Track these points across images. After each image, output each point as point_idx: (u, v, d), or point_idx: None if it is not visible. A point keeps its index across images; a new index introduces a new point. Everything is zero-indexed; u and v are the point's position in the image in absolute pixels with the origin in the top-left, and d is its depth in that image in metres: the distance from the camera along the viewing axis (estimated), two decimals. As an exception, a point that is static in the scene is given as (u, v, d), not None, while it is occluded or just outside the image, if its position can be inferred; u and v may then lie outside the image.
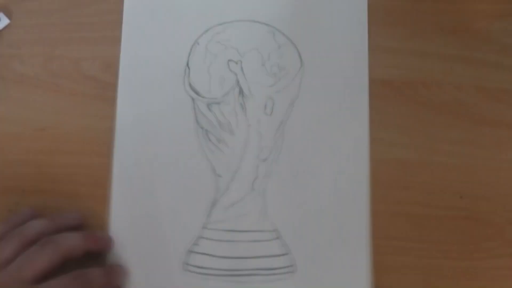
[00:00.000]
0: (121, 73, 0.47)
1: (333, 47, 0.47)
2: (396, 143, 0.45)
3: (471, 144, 0.46)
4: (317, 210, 0.44)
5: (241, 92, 0.46)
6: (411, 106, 0.46)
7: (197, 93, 0.46)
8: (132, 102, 0.46)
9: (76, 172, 0.45)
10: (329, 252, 0.44)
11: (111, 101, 0.46)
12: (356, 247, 0.44)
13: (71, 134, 0.46)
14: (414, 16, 0.48)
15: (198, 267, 0.43)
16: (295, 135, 0.46)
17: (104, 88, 0.47)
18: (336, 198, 0.45)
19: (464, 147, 0.46)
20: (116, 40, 0.47)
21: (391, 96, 0.47)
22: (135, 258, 0.44)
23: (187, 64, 0.47)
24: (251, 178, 0.45)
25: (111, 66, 0.47)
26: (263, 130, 0.46)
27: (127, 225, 0.44)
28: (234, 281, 0.43)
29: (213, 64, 0.47)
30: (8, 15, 0.47)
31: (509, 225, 0.44)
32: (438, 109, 0.46)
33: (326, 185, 0.45)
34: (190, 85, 0.47)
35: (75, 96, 0.46)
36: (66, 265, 0.39)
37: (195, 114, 0.46)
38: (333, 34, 0.48)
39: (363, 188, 0.45)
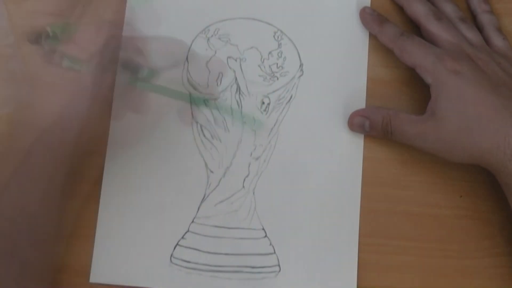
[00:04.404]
0: (120, 64, 0.47)
1: (333, 48, 0.47)
2: (395, 143, 0.44)
3: None
4: (307, 211, 0.44)
5: (238, 89, 0.46)
6: (410, 105, 0.46)
7: (194, 87, 0.46)
8: (129, 92, 0.46)
9: (75, 172, 0.45)
10: (315, 254, 0.43)
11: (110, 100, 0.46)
12: (345, 249, 0.43)
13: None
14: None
15: (184, 261, 0.43)
16: (289, 135, 0.46)
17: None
18: (327, 200, 0.44)
19: None
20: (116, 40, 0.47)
21: (390, 96, 0.46)
22: (124, 249, 0.44)
23: (186, 58, 0.47)
24: (242, 176, 0.45)
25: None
26: (257, 128, 0.45)
27: (117, 216, 0.44)
28: (219, 277, 0.43)
29: (212, 59, 0.47)
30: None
31: (509, 223, 0.44)
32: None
33: (318, 186, 0.45)
34: (188, 79, 0.46)
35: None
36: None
37: (191, 109, 0.46)
38: (334, 35, 0.47)
39: (355, 190, 0.44)
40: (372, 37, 0.47)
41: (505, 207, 0.42)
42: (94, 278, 0.43)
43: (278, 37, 0.47)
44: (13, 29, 0.47)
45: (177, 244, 0.43)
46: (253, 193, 0.44)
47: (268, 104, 0.46)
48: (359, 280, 0.43)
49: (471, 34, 0.44)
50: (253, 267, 0.43)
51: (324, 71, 0.47)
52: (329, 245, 0.43)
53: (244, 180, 0.45)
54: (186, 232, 0.44)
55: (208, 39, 0.47)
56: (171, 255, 0.43)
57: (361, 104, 0.46)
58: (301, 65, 0.47)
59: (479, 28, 0.46)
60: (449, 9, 0.45)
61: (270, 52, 0.47)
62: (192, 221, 0.44)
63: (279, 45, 0.47)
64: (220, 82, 0.46)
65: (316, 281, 0.43)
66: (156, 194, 0.44)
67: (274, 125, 0.46)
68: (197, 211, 0.44)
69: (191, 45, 0.47)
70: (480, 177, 0.44)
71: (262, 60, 0.47)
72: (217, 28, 0.48)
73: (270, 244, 0.43)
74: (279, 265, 0.43)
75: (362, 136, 0.45)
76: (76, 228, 0.44)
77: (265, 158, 0.45)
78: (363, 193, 0.44)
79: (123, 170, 0.45)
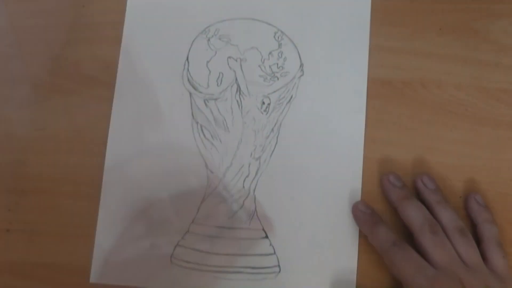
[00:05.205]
0: (120, 64, 0.47)
1: (333, 47, 0.47)
2: (395, 143, 0.44)
3: (470, 144, 0.45)
4: (307, 212, 0.44)
5: (238, 89, 0.46)
6: (410, 106, 0.46)
7: (194, 87, 0.46)
8: (129, 92, 0.46)
9: (75, 172, 0.46)
10: (316, 254, 0.43)
11: (111, 100, 0.46)
12: (345, 249, 0.43)
13: (70, 134, 0.46)
14: (414, 16, 0.47)
15: (185, 261, 0.43)
16: (289, 135, 0.45)
17: (104, 88, 0.47)
18: (327, 200, 0.44)
19: (463, 147, 0.45)
20: (116, 40, 0.48)
21: (390, 96, 0.46)
22: (124, 249, 0.43)
23: (187, 58, 0.47)
24: (242, 176, 0.45)
25: (111, 66, 0.47)
26: (258, 128, 0.45)
27: (117, 216, 0.44)
28: (219, 278, 0.43)
29: (212, 60, 0.47)
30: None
31: (509, 225, 0.44)
32: (437, 109, 0.46)
33: (318, 186, 0.44)
34: (188, 79, 0.46)
35: (75, 96, 0.47)
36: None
37: (191, 109, 0.46)
38: (334, 34, 0.47)
39: (355, 190, 0.44)
40: (372, 36, 0.47)
41: (506, 208, 0.42)
42: (94, 278, 0.43)
43: (278, 37, 0.47)
44: (14, 29, 0.48)
45: (177, 244, 0.43)
46: (253, 193, 0.44)
47: (269, 104, 0.46)
48: (358, 280, 0.43)
49: (467, 250, 0.40)
50: (253, 268, 0.43)
51: (325, 71, 0.46)
52: (329, 245, 0.43)
53: (244, 180, 0.44)
54: (186, 233, 0.43)
55: (209, 40, 0.47)
56: (171, 256, 0.43)
57: (362, 102, 0.45)
58: (301, 65, 0.47)
59: (479, 239, 0.42)
60: (446, 217, 0.41)
61: (270, 52, 0.47)
62: (192, 222, 0.44)
63: (280, 45, 0.47)
64: (221, 82, 0.46)
65: (316, 281, 0.43)
66: (157, 195, 0.44)
67: (275, 125, 0.45)
68: (197, 212, 0.44)
69: (191, 45, 0.47)
70: (480, 178, 0.44)
71: (263, 60, 0.47)
72: (217, 29, 0.48)
73: (270, 244, 0.43)
74: (279, 266, 0.43)
75: (362, 136, 0.45)
76: (76, 228, 0.44)
77: (265, 158, 0.45)
78: (363, 193, 0.44)
79: (123, 170, 0.45)
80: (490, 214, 0.43)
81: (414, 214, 0.41)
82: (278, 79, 0.46)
